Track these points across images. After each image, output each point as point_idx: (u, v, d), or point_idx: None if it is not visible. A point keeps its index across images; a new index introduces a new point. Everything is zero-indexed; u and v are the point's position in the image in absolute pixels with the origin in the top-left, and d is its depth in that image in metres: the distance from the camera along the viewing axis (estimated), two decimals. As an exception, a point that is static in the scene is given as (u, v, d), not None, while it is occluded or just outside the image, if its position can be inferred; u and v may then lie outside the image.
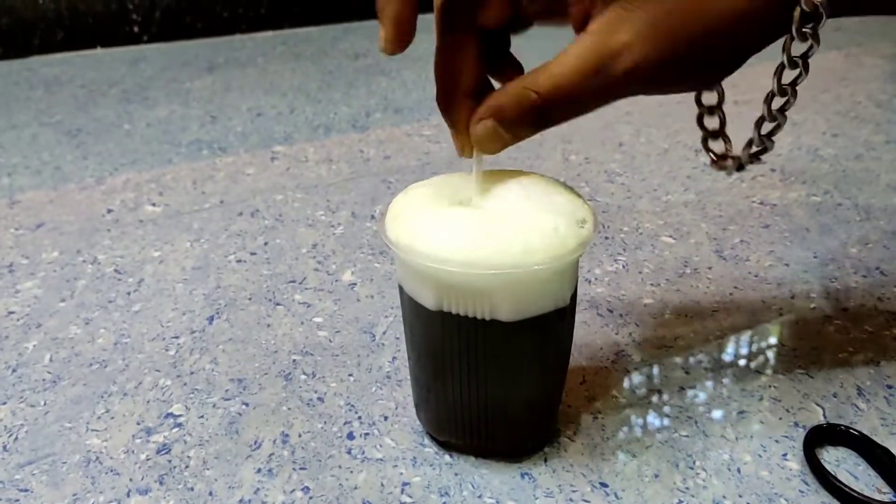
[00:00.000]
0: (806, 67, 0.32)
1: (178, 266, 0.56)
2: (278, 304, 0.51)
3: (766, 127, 0.35)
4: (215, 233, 0.61)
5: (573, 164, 0.73)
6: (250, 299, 0.51)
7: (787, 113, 0.34)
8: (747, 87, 0.91)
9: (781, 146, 0.76)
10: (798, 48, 0.31)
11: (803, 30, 0.30)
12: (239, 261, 0.56)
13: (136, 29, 1.21)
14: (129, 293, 0.52)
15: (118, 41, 1.21)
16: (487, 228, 0.31)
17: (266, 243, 0.59)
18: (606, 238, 0.59)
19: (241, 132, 0.84)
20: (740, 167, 0.37)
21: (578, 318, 0.48)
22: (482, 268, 0.30)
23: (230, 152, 0.78)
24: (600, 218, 0.62)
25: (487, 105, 0.33)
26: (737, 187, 0.67)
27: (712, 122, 0.38)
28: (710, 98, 0.37)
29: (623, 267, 0.54)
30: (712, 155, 0.38)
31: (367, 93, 0.97)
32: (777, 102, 0.34)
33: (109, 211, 0.65)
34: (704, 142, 0.38)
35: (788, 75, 0.33)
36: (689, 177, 0.69)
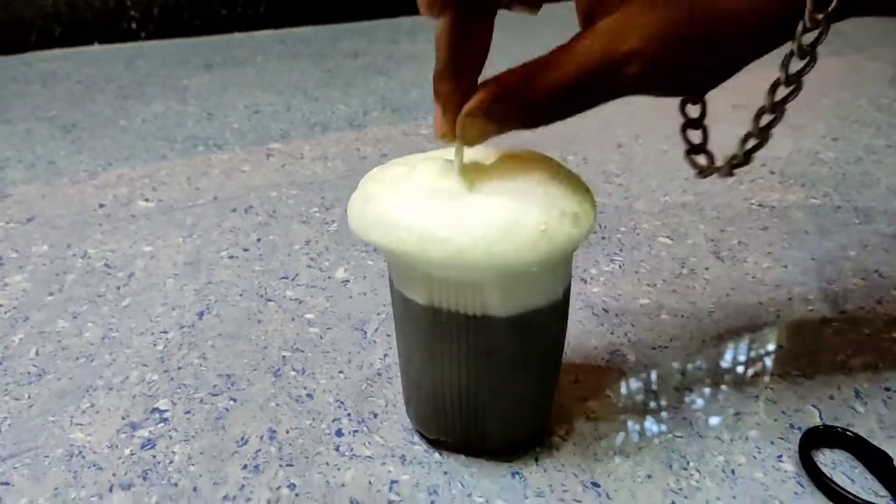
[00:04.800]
0: (800, 84, 0.31)
1: (169, 261, 0.55)
2: (269, 301, 0.50)
3: (750, 143, 0.33)
4: (208, 229, 0.60)
5: (570, 165, 0.71)
6: (241, 295, 0.51)
7: (772, 132, 0.33)
8: (749, 90, 0.91)
9: (781, 150, 0.76)
10: (797, 65, 0.31)
11: (803, 47, 0.30)
12: (231, 257, 0.56)
13: (134, 25, 1.21)
14: (118, 288, 0.52)
15: (116, 38, 1.20)
16: (472, 224, 0.29)
17: (259, 239, 0.58)
18: (603, 238, 0.58)
19: (237, 129, 0.83)
20: (734, 167, 0.36)
21: (573, 317, 0.47)
22: (467, 267, 0.30)
23: (226, 149, 0.77)
24: (597, 217, 0.61)
25: (480, 97, 0.30)
26: (735, 189, 0.66)
27: (695, 137, 0.37)
28: (693, 111, 0.36)
29: (619, 267, 0.54)
30: (696, 164, 0.37)
31: (364, 91, 0.96)
32: (765, 119, 0.33)
33: (101, 206, 0.64)
34: (688, 154, 0.37)
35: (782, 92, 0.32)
36: (687, 178, 0.69)
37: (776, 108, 0.32)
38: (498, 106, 0.30)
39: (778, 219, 0.61)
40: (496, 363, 0.33)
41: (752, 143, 0.33)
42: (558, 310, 0.34)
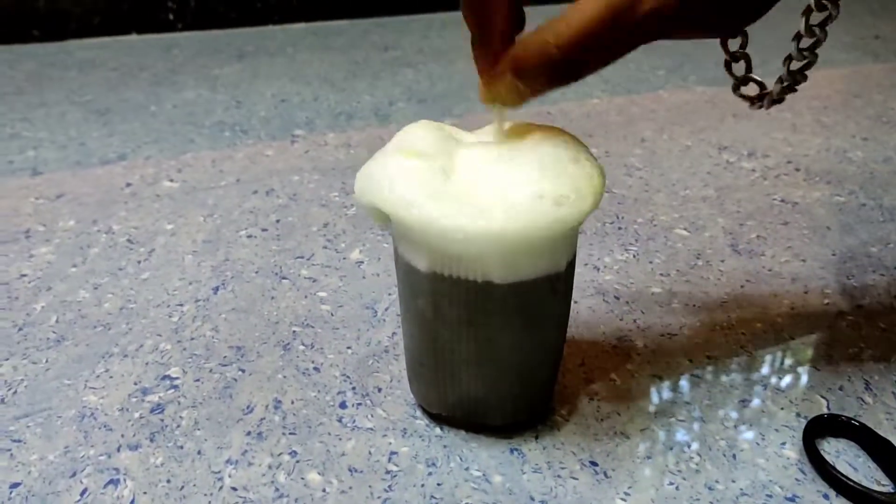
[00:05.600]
0: (836, 6, 0.31)
1: (189, 238, 0.56)
2: (284, 278, 0.51)
3: (795, 65, 0.34)
4: (229, 209, 0.61)
5: (592, 157, 0.72)
6: (257, 272, 0.52)
7: (817, 52, 0.33)
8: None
9: (809, 147, 0.75)
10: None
11: None
12: (249, 236, 0.57)
13: (171, 17, 1.23)
14: (139, 262, 0.53)
15: (153, 28, 1.23)
16: (438, 193, 0.30)
17: (278, 221, 0.59)
18: (619, 228, 0.58)
19: (264, 116, 0.84)
20: (774, 102, 0.36)
21: (583, 303, 0.47)
22: (440, 235, 0.30)
23: (251, 134, 0.79)
24: (614, 208, 0.61)
25: (507, 57, 0.31)
26: (758, 185, 0.66)
27: (739, 69, 0.36)
28: (734, 43, 0.36)
29: (634, 256, 0.54)
30: (745, 95, 0.37)
31: (391, 83, 0.97)
32: (805, 42, 0.33)
33: (128, 185, 0.66)
34: (735, 88, 0.37)
35: (817, 17, 0.32)
36: (709, 173, 0.68)
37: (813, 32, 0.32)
38: (523, 63, 0.30)
39: (800, 214, 0.60)
40: (497, 337, 0.34)
41: (795, 64, 0.33)
42: (560, 281, 0.34)
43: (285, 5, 1.30)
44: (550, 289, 0.33)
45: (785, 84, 0.35)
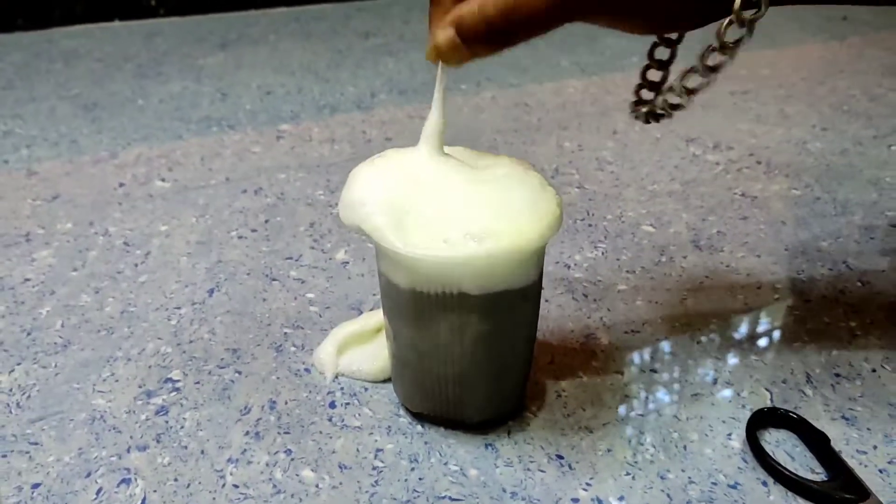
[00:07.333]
0: (733, 55, 0.33)
1: (183, 240, 0.59)
2: (274, 280, 0.54)
3: (695, 80, 0.36)
4: (219, 209, 0.64)
5: (566, 151, 0.75)
6: (248, 274, 0.55)
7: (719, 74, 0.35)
8: (748, 76, 0.93)
9: (771, 139, 0.78)
10: (733, 34, 0.33)
11: (742, 17, 0.32)
12: (240, 237, 0.60)
13: (153, 3, 1.24)
14: (136, 265, 0.56)
15: (136, 14, 1.24)
16: (410, 225, 0.35)
17: (267, 221, 0.62)
18: (590, 225, 0.61)
19: (249, 110, 0.87)
20: (654, 115, 0.39)
21: (553, 301, 0.51)
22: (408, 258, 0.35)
23: (238, 129, 0.81)
24: (585, 204, 0.64)
25: (452, 14, 0.34)
26: (721, 178, 0.69)
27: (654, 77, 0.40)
28: (662, 54, 0.39)
29: (602, 254, 0.57)
30: (636, 97, 0.40)
31: (374, 73, 1.00)
32: (714, 59, 0.34)
33: (121, 185, 0.69)
34: (638, 89, 0.40)
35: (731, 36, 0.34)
36: (676, 167, 0.72)
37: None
38: (464, 21, 0.33)
39: (758, 209, 0.64)
40: (473, 342, 0.37)
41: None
42: (529, 293, 0.37)
43: (266, -11, 1.31)
44: (522, 298, 0.37)
45: (674, 102, 0.38)
